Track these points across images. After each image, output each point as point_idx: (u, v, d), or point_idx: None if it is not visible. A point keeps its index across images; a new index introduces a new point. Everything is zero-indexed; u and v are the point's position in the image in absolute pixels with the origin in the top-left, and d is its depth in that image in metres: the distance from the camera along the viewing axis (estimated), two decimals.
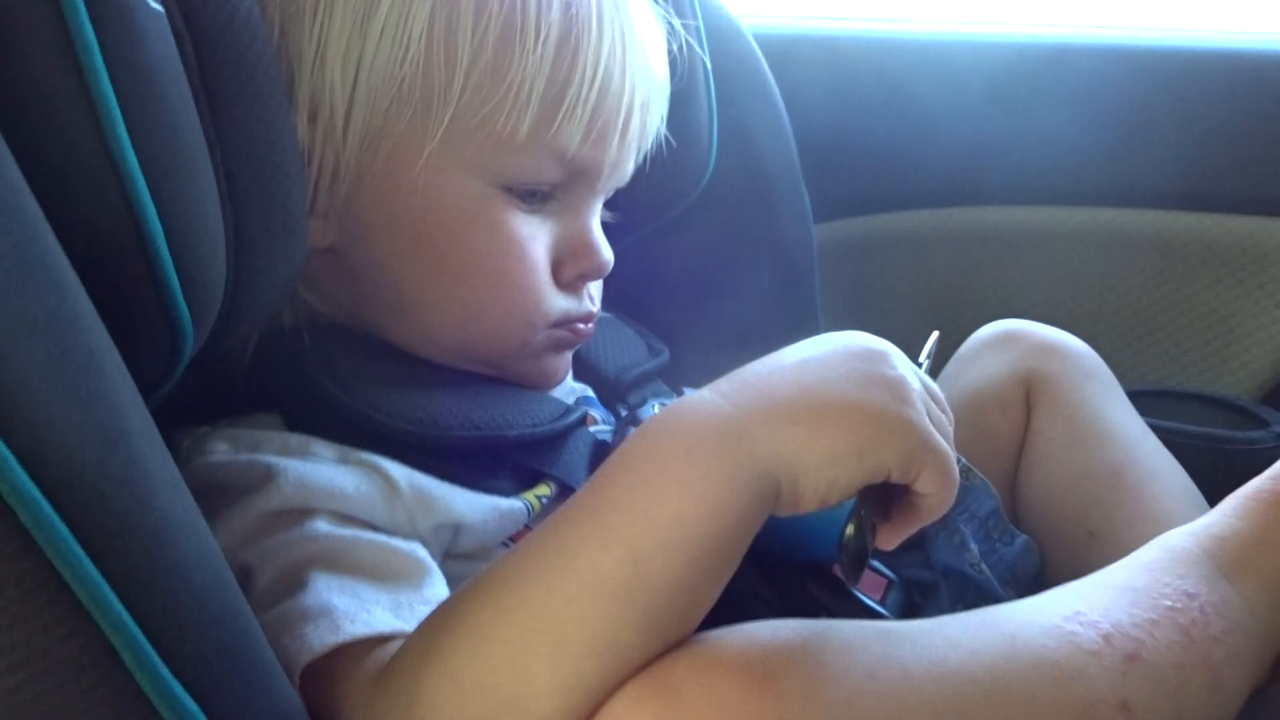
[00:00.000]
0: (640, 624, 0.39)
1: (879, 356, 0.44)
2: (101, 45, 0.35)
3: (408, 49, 0.52)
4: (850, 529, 0.46)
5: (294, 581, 0.46)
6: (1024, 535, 0.67)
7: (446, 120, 0.53)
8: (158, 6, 0.39)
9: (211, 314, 0.42)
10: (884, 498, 0.47)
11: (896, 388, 0.43)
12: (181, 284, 0.39)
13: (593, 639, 0.38)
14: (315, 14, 0.52)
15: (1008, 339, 0.75)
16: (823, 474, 0.41)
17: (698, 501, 0.40)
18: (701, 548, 0.40)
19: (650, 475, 0.40)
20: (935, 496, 0.44)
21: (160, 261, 0.37)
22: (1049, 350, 0.74)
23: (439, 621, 0.41)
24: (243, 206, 0.45)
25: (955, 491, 0.44)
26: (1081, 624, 0.42)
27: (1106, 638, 0.42)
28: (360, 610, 0.45)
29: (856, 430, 0.41)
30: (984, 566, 0.64)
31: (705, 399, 0.43)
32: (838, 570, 0.49)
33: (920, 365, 0.48)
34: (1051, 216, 1.08)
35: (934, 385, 0.46)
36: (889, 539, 0.47)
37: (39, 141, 0.34)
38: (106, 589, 0.30)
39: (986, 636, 0.42)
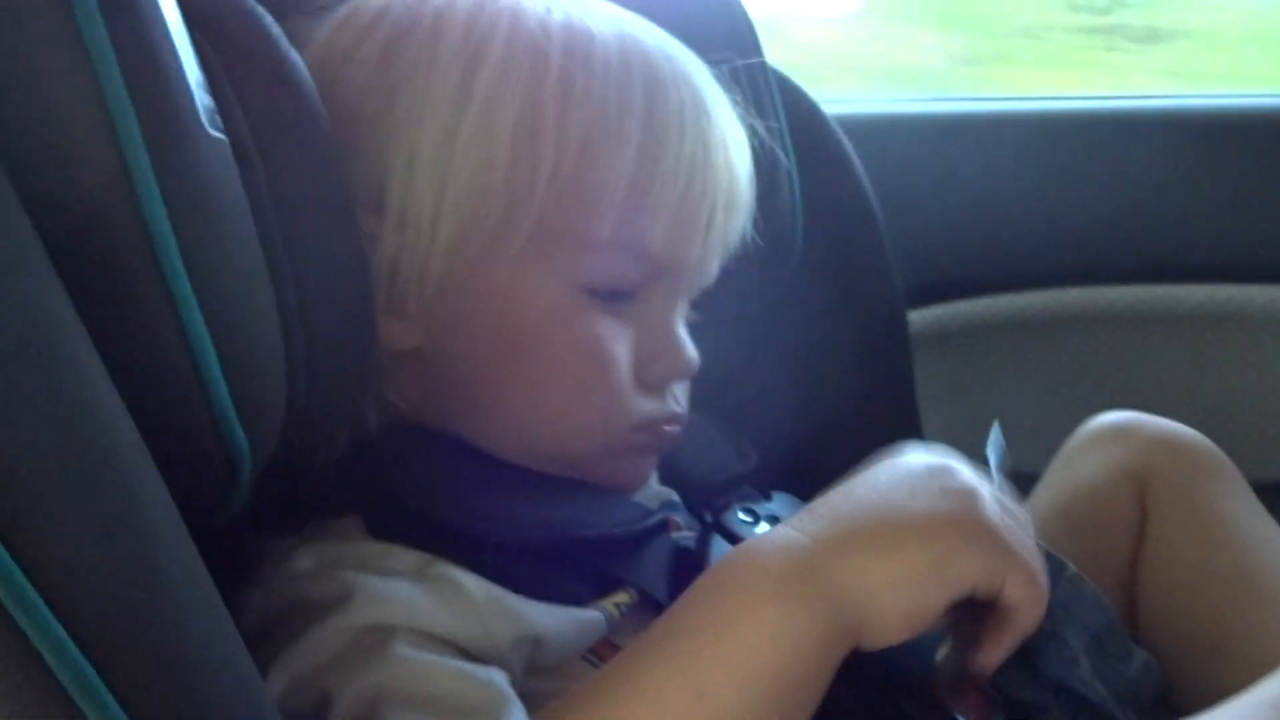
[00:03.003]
0: None
1: (944, 470, 0.44)
2: (158, 175, 0.36)
3: (493, 158, 0.53)
4: (943, 652, 0.45)
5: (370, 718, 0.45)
6: (1144, 652, 0.62)
7: (530, 223, 0.53)
8: (219, 135, 0.40)
9: (271, 434, 0.42)
10: (975, 616, 0.45)
11: (966, 498, 0.43)
12: (238, 408, 0.38)
13: None
14: (406, 127, 0.53)
15: (1118, 433, 0.70)
16: (905, 596, 0.41)
17: (766, 632, 0.39)
18: (773, 681, 0.39)
19: (722, 607, 0.41)
20: (1025, 605, 0.43)
21: (214, 388, 0.37)
22: (1165, 445, 0.68)
23: None
24: (316, 326, 0.45)
25: (1046, 597, 0.44)
26: None
27: None
28: None
29: (931, 545, 0.41)
30: (1098, 684, 0.58)
31: (780, 532, 0.43)
32: (937, 693, 0.46)
33: (988, 461, 0.48)
34: (1167, 295, 1.03)
35: (1005, 492, 0.46)
36: (985, 660, 0.45)
37: (91, 268, 0.35)
38: None
39: None
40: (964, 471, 0.45)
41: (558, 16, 0.55)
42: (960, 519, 0.42)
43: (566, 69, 0.54)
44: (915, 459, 0.46)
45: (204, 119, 0.38)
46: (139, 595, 0.30)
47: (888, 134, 1.08)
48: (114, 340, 0.35)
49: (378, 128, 0.53)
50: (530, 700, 0.48)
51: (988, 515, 0.42)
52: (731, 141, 0.59)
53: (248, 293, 0.40)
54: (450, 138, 0.53)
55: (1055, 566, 0.61)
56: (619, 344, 0.56)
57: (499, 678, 0.48)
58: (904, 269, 0.94)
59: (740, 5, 0.82)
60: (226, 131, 0.41)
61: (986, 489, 0.44)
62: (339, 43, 0.56)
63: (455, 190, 0.53)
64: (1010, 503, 0.45)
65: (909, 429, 0.92)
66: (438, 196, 0.53)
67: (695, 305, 0.63)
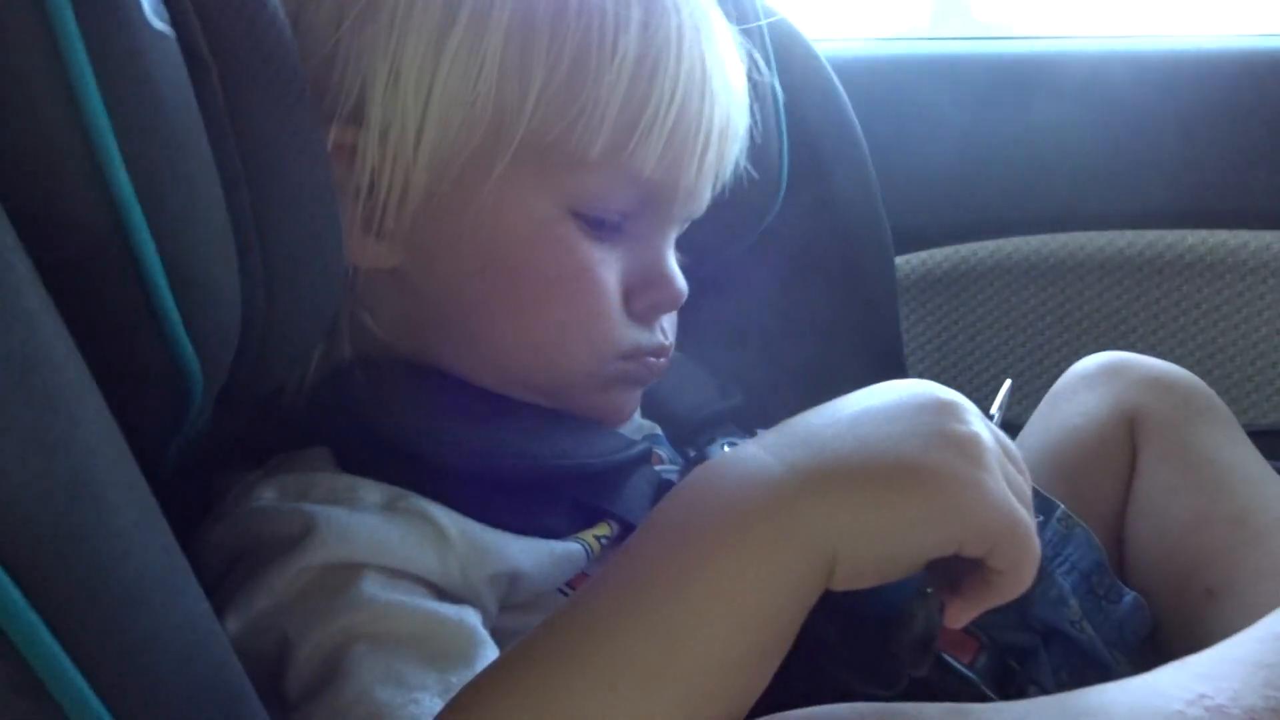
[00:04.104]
0: (678, 709, 0.35)
1: (948, 409, 0.39)
2: (95, 69, 0.33)
3: (482, 67, 0.51)
4: (914, 609, 0.41)
5: (335, 665, 0.43)
6: (1133, 592, 0.60)
7: (518, 139, 0.51)
8: (165, 29, 0.37)
9: (225, 353, 0.40)
10: (953, 571, 0.41)
11: (968, 446, 0.38)
12: (185, 321, 0.36)
13: None
14: (390, 34, 0.51)
15: (1109, 372, 0.69)
16: (882, 544, 0.37)
17: (737, 574, 0.35)
18: (743, 624, 0.36)
19: (686, 542, 0.37)
20: (1012, 573, 0.39)
21: (158, 296, 0.35)
22: (1156, 384, 0.67)
23: (468, 711, 0.37)
24: (272, 240, 0.43)
25: (1035, 567, 0.39)
26: (1207, 709, 0.36)
27: None
28: (407, 702, 0.41)
29: (921, 495, 0.37)
30: (1086, 625, 0.57)
31: (750, 455, 0.38)
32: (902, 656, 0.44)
33: (992, 418, 0.43)
34: (1158, 240, 1.01)
35: (1010, 443, 0.41)
36: (956, 617, 0.41)
37: (26, 169, 0.32)
38: (66, 659, 0.27)
39: None
40: (969, 412, 0.40)
41: None
42: (959, 473, 0.37)
43: None
44: (916, 389, 0.40)
45: (148, 11, 0.36)
46: (71, 513, 0.28)
47: (873, 75, 1.05)
48: (50, 247, 0.32)
49: (361, 33, 0.51)
50: (505, 637, 0.47)
51: (988, 471, 0.38)
52: (730, 67, 0.57)
53: (195, 198, 0.37)
54: (438, 46, 0.51)
55: (1045, 506, 0.60)
56: (608, 270, 0.55)
57: (472, 617, 0.47)
58: (889, 214, 0.92)
59: None
60: (177, 34, 0.38)
61: (990, 437, 0.39)
62: None
63: (441, 101, 0.51)
64: (1013, 452, 0.41)
65: (895, 377, 0.91)
66: (422, 107, 0.51)
67: (679, 244, 0.61)
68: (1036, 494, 0.49)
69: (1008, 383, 0.52)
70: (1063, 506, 0.61)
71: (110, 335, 0.35)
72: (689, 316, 0.62)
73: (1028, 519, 0.38)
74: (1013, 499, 0.38)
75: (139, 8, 0.35)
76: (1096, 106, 1.03)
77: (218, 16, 0.41)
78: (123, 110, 0.33)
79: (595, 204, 0.53)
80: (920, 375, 1.05)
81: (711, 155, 0.56)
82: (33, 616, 0.26)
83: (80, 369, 0.31)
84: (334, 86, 0.51)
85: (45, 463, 0.27)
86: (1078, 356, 0.74)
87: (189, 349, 0.36)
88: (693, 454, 0.62)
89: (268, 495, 0.49)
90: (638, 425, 0.64)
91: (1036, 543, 0.38)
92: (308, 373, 0.54)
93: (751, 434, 0.66)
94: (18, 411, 0.27)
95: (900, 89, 1.06)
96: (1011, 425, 0.60)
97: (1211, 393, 0.67)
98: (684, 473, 0.60)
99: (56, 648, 0.27)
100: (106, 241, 0.34)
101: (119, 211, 0.33)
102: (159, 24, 0.36)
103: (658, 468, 0.60)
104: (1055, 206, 1.04)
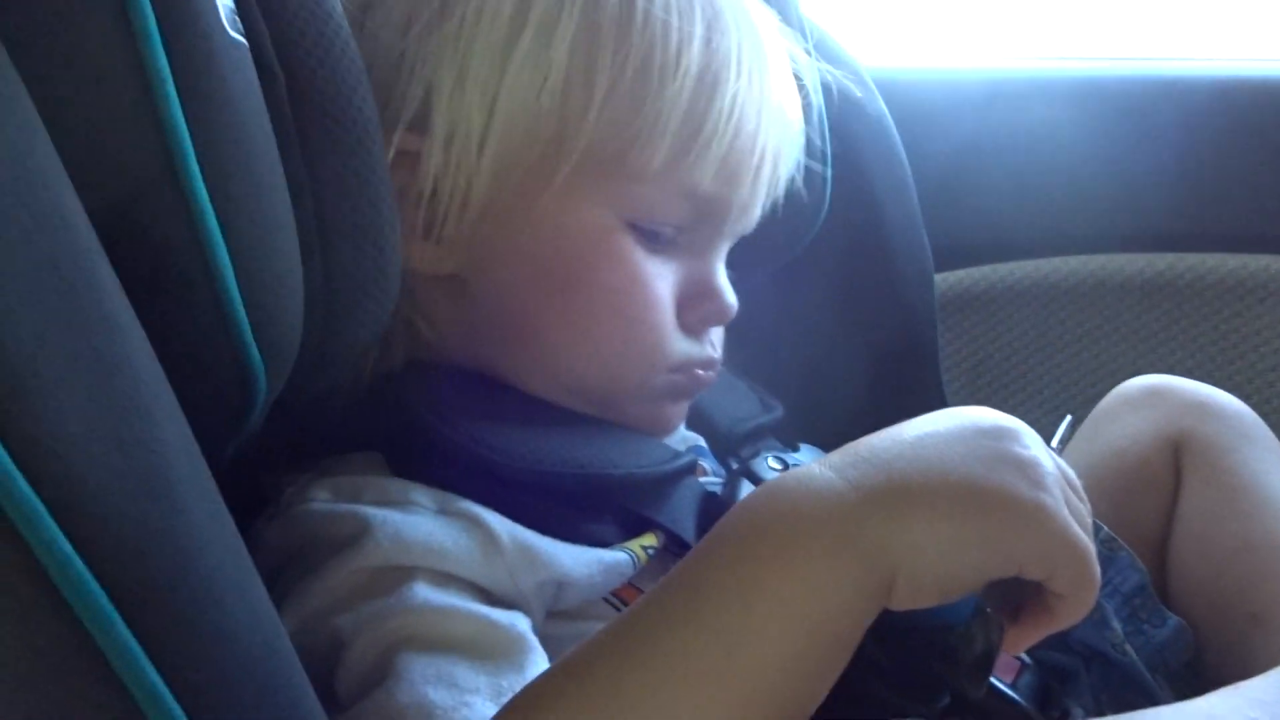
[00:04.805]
0: (736, 712, 0.35)
1: (1009, 434, 0.40)
2: (175, 75, 0.34)
3: (547, 78, 0.52)
4: (974, 629, 0.42)
5: (387, 665, 0.43)
6: (1176, 617, 0.60)
7: (580, 149, 0.52)
8: (239, 38, 0.38)
9: (288, 356, 0.40)
10: (1012, 594, 0.42)
11: (1029, 469, 0.38)
12: (253, 324, 0.37)
13: None
14: (457, 41, 0.52)
15: (1153, 396, 0.69)
16: (943, 564, 0.37)
17: (799, 584, 0.36)
18: (803, 634, 0.36)
19: (749, 552, 0.38)
20: (1072, 598, 0.39)
21: (229, 298, 0.35)
22: (1201, 408, 0.67)
23: (527, 711, 0.38)
24: (334, 247, 0.43)
25: (1096, 593, 0.40)
26: None
27: None
28: (460, 705, 0.42)
29: (983, 516, 0.37)
30: (1128, 648, 0.57)
31: (816, 474, 0.39)
32: (959, 675, 0.44)
33: (1054, 450, 0.43)
34: (1199, 264, 1.00)
35: (1071, 472, 0.42)
36: (1016, 642, 0.42)
37: (105, 171, 0.33)
38: (141, 654, 0.27)
39: None
40: (1031, 440, 0.40)
41: None
42: (1019, 494, 0.38)
43: None
44: (977, 415, 0.41)
45: (225, 21, 0.36)
46: (150, 512, 0.28)
47: (916, 94, 1.06)
48: (128, 250, 0.33)
49: (428, 40, 0.52)
50: (550, 644, 0.47)
51: (1050, 495, 0.38)
52: (786, 87, 0.58)
53: (267, 204, 0.38)
54: (504, 56, 0.52)
55: None
56: (663, 282, 0.55)
57: (522, 622, 0.47)
58: (928, 232, 0.92)
59: None
60: (249, 43, 0.39)
61: (1051, 462, 0.40)
62: None
63: (505, 111, 0.52)
64: (1074, 480, 0.42)
65: (932, 394, 0.91)
66: (487, 116, 0.52)
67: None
68: None
69: (1068, 418, 0.52)
70: (1106, 529, 0.61)
71: (180, 337, 0.35)
72: (728, 330, 0.62)
73: (1089, 544, 0.38)
74: (1074, 523, 0.38)
75: (219, 18, 0.36)
76: (1139, 130, 1.02)
77: (286, 27, 0.42)
78: (200, 117, 0.34)
79: (652, 216, 0.54)
80: (955, 394, 1.05)
81: (766, 172, 0.57)
82: (112, 612, 0.27)
83: (157, 371, 0.31)
84: (399, 93, 0.52)
85: (126, 463, 0.28)
86: (1116, 379, 0.74)
87: (255, 352, 0.37)
88: (735, 466, 0.63)
89: (322, 496, 0.50)
90: (681, 437, 0.65)
91: (1097, 568, 0.39)
92: (361, 376, 0.55)
93: (794, 448, 0.67)
94: (102, 413, 0.28)
95: (939, 108, 1.06)
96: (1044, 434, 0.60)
97: (1257, 418, 0.67)
98: (728, 485, 0.60)
99: (133, 642, 0.27)
100: (180, 247, 0.34)
101: (194, 218, 0.34)
102: (234, 33, 0.37)
103: (701, 480, 0.60)
104: (1095, 228, 1.04)
